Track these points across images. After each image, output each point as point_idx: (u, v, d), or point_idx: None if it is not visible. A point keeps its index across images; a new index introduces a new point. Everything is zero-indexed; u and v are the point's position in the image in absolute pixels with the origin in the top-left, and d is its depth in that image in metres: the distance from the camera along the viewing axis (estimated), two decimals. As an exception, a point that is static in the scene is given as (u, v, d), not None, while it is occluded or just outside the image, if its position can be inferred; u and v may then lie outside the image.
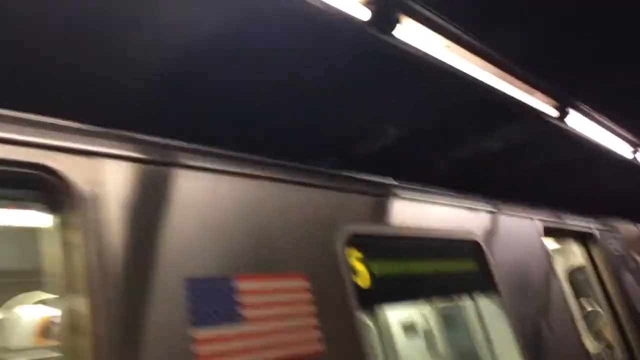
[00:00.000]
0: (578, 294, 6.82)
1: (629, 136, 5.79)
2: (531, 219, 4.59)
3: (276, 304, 2.11)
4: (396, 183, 3.50)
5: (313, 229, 2.52)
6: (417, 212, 3.38)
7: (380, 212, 3.12)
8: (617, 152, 5.68)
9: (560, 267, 6.85)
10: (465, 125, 4.87)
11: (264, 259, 2.22)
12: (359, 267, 2.63)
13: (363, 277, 2.61)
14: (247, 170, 2.41)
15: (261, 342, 1.96)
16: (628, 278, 5.96)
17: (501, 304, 3.58)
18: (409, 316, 6.50)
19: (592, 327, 6.46)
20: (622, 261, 5.98)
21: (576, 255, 6.28)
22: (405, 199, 3.37)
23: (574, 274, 6.83)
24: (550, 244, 6.46)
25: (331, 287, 2.42)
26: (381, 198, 3.20)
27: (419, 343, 6.64)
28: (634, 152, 5.67)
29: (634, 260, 6.65)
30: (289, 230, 2.40)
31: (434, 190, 3.76)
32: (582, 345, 4.51)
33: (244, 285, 2.02)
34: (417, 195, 3.47)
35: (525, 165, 6.10)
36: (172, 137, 2.36)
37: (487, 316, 3.68)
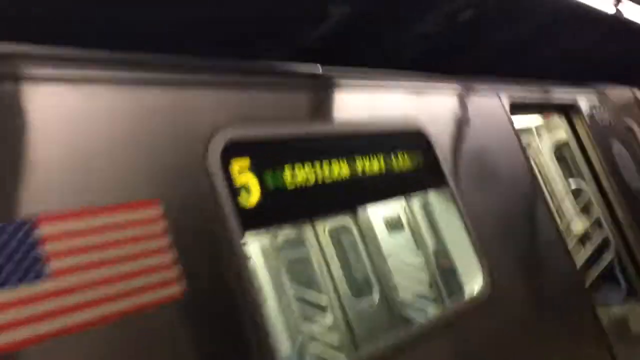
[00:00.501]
0: (565, 170, 6.38)
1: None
2: (496, 94, 4.00)
3: (108, 245, 1.67)
4: (318, 69, 2.92)
5: (175, 141, 2.01)
6: (342, 103, 2.83)
7: (285, 109, 2.58)
8: (598, 8, 4.92)
9: (546, 144, 6.34)
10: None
11: (97, 189, 1.74)
12: (247, 179, 2.15)
13: (251, 193, 2.14)
14: (79, 74, 1.87)
15: (80, 298, 1.55)
16: (617, 148, 5.44)
17: (453, 197, 3.13)
18: (392, 212, 6.11)
19: (579, 204, 6.09)
20: (610, 131, 5.42)
21: (561, 129, 5.75)
22: (326, 88, 2.81)
23: (560, 150, 6.34)
24: (534, 119, 5.90)
25: (201, 211, 1.97)
26: (291, 91, 2.65)
27: (405, 237, 6.30)
28: (616, 4, 4.90)
29: (627, 128, 6.09)
30: (137, 148, 1.90)
31: (368, 73, 3.17)
32: (556, 226, 4.09)
33: (52, 228, 1.57)
34: (342, 82, 2.90)
35: (499, 35, 5.39)
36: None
37: (438, 213, 3.25)
